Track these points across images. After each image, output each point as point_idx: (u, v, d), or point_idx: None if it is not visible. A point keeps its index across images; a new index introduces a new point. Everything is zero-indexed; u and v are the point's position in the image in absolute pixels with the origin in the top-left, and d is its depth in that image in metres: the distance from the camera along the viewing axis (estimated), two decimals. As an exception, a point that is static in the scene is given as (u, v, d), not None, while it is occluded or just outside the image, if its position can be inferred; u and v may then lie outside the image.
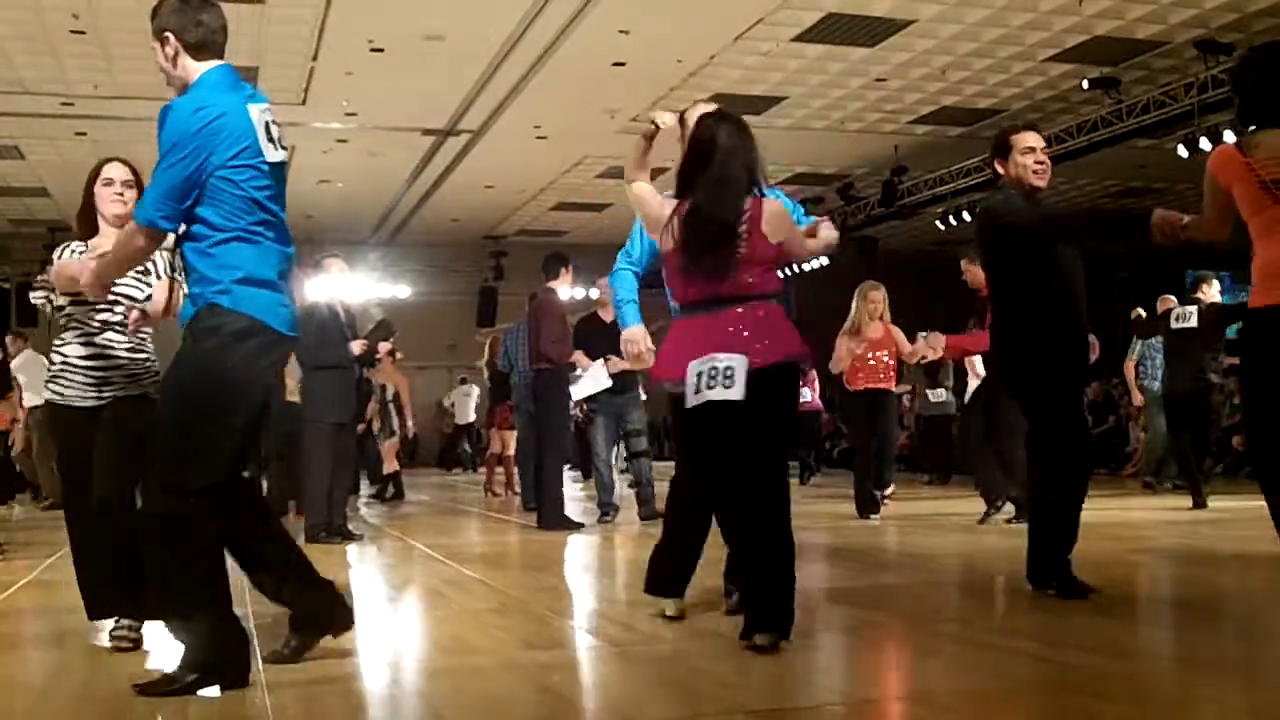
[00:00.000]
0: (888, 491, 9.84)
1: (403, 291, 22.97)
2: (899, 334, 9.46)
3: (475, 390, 21.77)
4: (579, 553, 7.65)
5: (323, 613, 3.91)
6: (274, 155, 3.70)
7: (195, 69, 3.69)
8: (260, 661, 3.91)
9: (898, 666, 4.01)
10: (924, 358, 9.20)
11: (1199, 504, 9.36)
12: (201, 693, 3.48)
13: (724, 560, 4.93)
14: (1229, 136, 12.94)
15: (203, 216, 3.59)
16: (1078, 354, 5.04)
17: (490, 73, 13.59)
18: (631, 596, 5.35)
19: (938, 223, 18.30)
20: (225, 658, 3.56)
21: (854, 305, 9.46)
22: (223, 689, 3.52)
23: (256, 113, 3.67)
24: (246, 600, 5.44)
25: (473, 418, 21.88)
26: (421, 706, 3.50)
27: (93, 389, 4.26)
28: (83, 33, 11.95)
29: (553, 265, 9.20)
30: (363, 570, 6.92)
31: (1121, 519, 8.83)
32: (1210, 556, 6.87)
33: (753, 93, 14.47)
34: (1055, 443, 4.94)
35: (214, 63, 3.72)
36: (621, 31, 12.30)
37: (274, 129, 3.73)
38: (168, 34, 3.69)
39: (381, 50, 12.69)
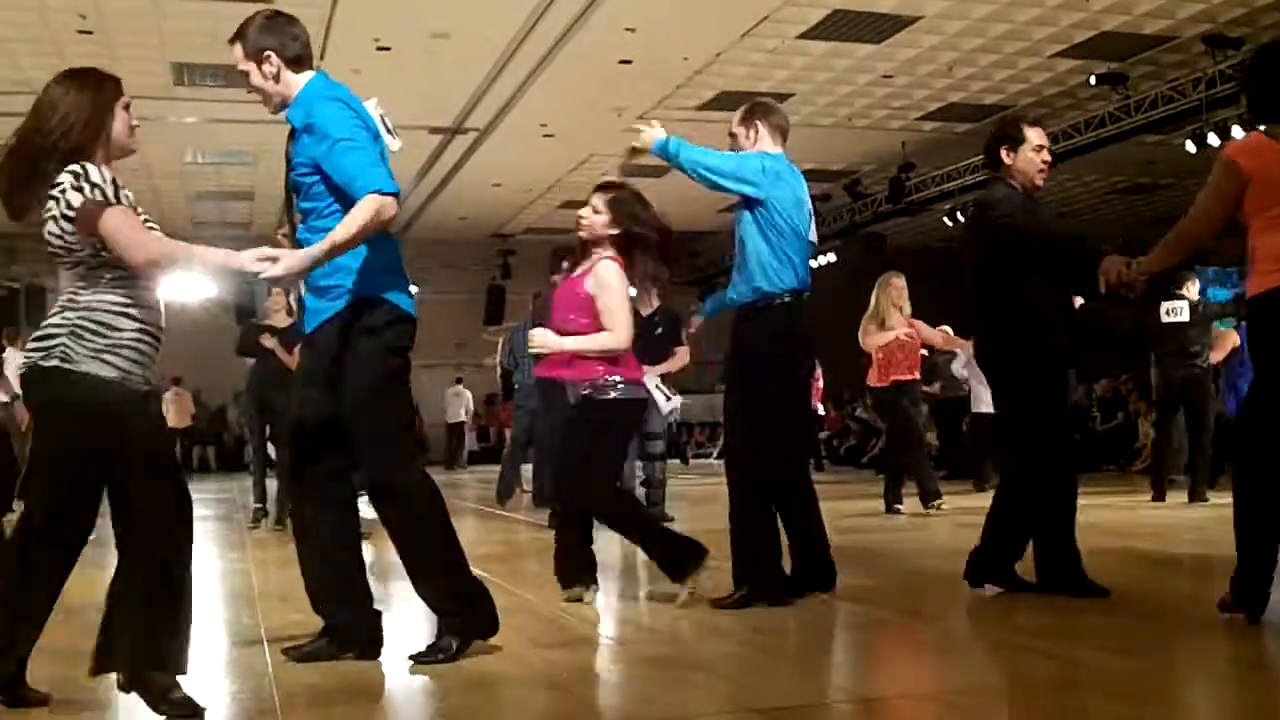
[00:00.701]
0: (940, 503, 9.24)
1: (410, 289, 22.98)
2: (921, 325, 9.34)
3: (466, 392, 21.87)
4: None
5: (358, 634, 3.93)
6: (394, 145, 3.91)
7: (297, 81, 3.80)
8: (267, 655, 3.92)
9: (906, 664, 4.00)
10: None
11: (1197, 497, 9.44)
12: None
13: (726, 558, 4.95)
14: (1237, 132, 12.93)
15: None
16: (1059, 353, 4.94)
17: (497, 71, 13.59)
18: (641, 595, 5.36)
19: (945, 219, 18.28)
20: (478, 612, 3.93)
21: (875, 296, 9.21)
22: (482, 638, 3.93)
23: (371, 106, 3.86)
24: (256, 604, 5.46)
25: (462, 417, 21.96)
26: (429, 704, 3.50)
27: (150, 370, 3.39)
28: (90, 33, 11.97)
29: (556, 261, 9.18)
30: (372, 568, 6.93)
31: (1131, 515, 8.81)
32: (1221, 553, 6.85)
33: (759, 90, 14.43)
34: (1029, 444, 4.90)
35: (310, 73, 3.84)
36: (628, 29, 12.30)
37: (388, 120, 3.90)
38: (269, 52, 3.76)
39: (388, 49, 12.70)
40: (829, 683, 3.78)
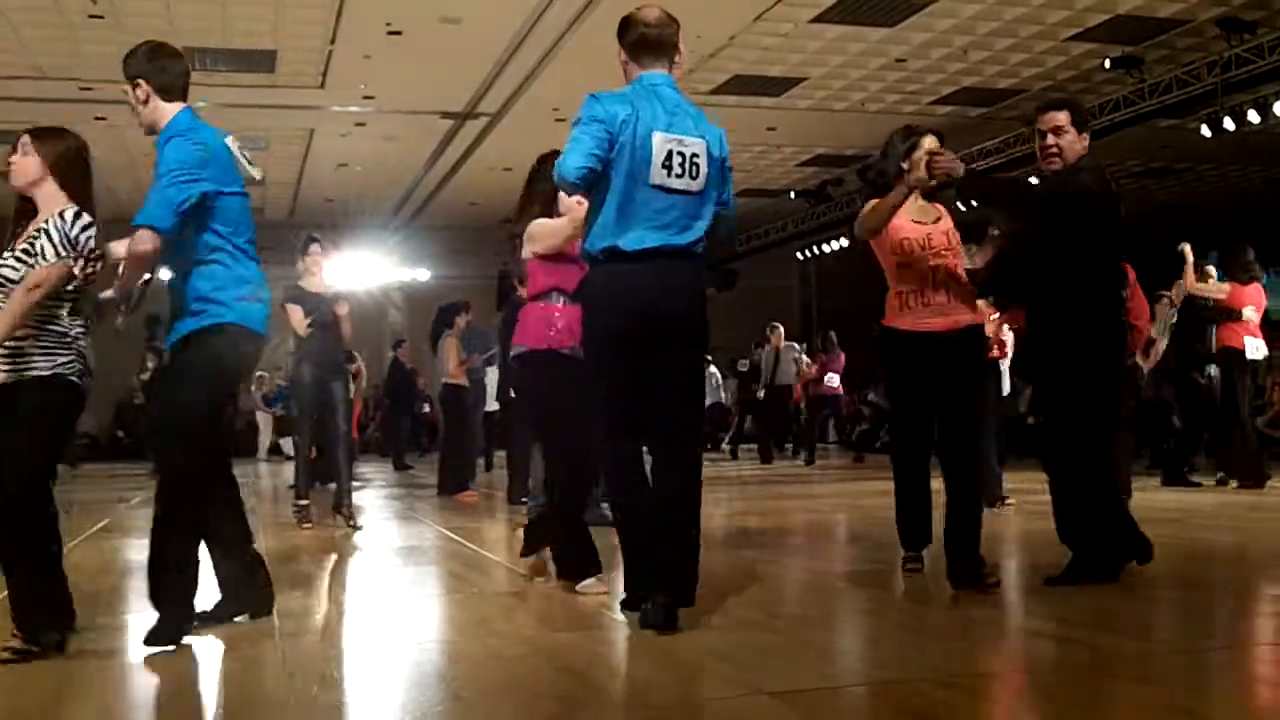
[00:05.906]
0: None
1: (422, 275, 22.98)
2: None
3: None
4: (599, 537, 7.63)
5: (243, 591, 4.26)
6: (255, 174, 4.35)
7: (166, 110, 4.16)
8: (279, 640, 3.93)
9: (918, 648, 3.99)
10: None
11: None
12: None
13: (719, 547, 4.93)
14: (1253, 116, 12.87)
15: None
16: None
17: (508, 55, 13.56)
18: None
19: (959, 204, 18.23)
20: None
21: None
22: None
23: (229, 142, 4.24)
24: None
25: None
26: (442, 687, 3.51)
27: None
28: (101, 17, 11.96)
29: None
30: (384, 553, 6.94)
31: (1144, 502, 8.78)
32: (1235, 539, 6.83)
33: (772, 74, 14.41)
34: None
35: (180, 105, 4.19)
36: (640, 13, 12.27)
37: (245, 153, 4.30)
38: (139, 80, 4.18)
39: (399, 33, 12.68)
40: (842, 666, 3.78)
